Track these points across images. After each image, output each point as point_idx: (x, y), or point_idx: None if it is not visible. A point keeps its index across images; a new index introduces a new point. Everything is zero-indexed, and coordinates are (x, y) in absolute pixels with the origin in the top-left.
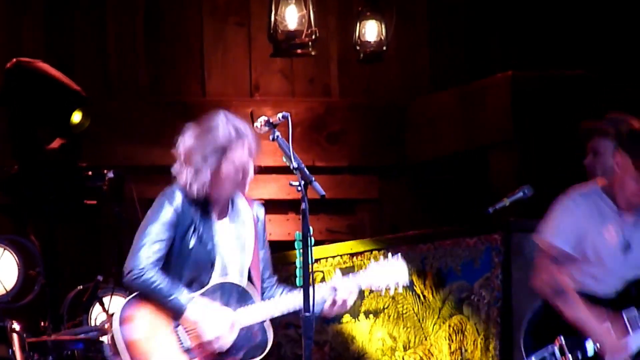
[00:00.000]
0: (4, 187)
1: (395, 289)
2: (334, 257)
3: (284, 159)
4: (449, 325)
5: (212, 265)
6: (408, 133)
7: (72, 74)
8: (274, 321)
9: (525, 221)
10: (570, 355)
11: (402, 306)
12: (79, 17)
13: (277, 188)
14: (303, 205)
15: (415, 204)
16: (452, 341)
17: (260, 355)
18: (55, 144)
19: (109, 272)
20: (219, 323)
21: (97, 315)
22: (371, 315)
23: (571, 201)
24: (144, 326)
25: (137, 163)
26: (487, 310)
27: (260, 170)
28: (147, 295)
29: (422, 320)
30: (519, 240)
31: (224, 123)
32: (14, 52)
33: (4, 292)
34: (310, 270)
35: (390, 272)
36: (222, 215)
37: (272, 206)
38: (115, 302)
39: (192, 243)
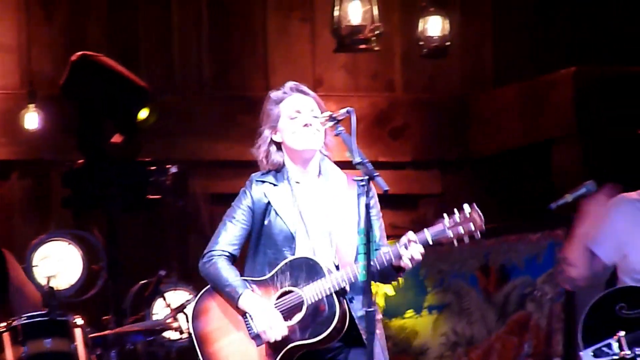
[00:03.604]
0: (68, 180)
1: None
2: None
3: (348, 154)
4: (513, 321)
5: (293, 236)
6: (471, 128)
7: (135, 68)
8: None
9: None
10: (629, 351)
11: (466, 301)
12: (143, 11)
13: None
14: (366, 201)
15: (478, 199)
16: (516, 336)
17: (325, 332)
18: (117, 138)
19: (172, 266)
20: (268, 314)
21: (159, 310)
22: (434, 311)
23: (613, 207)
24: (214, 317)
25: (201, 157)
26: (550, 305)
27: None
28: (211, 282)
29: (486, 315)
30: None
31: (271, 93)
32: (78, 46)
33: (68, 286)
34: (372, 265)
35: (462, 222)
36: (304, 180)
37: None
38: (177, 297)
39: (268, 220)
